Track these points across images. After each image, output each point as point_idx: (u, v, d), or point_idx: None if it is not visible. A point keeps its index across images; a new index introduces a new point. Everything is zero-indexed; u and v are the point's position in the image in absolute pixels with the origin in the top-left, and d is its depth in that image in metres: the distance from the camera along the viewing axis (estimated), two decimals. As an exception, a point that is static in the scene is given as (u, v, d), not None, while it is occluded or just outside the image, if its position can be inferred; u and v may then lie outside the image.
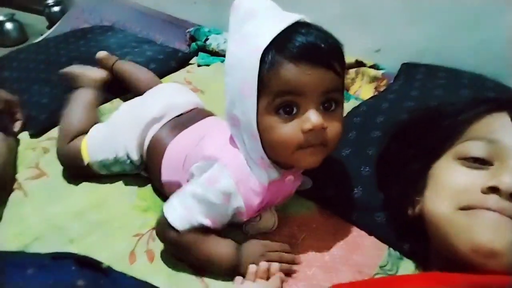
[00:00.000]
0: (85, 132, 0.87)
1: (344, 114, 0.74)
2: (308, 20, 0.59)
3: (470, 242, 0.45)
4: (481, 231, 0.44)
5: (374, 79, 1.09)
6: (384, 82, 1.07)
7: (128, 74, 1.07)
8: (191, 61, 1.32)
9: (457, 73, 0.91)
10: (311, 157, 0.57)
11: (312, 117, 0.54)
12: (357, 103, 0.97)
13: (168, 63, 1.25)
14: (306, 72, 0.53)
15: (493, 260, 0.44)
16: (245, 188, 0.61)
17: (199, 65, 1.29)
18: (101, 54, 1.10)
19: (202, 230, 0.63)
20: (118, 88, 1.10)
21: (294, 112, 0.55)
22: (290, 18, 0.56)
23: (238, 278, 0.62)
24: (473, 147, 0.50)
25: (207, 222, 0.62)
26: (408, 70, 0.99)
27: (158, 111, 0.80)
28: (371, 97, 0.98)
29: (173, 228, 0.61)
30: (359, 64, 1.13)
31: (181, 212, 0.62)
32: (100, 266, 0.52)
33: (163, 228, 0.63)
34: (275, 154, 0.59)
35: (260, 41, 0.54)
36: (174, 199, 0.64)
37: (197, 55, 1.35)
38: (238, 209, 0.63)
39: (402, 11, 1.03)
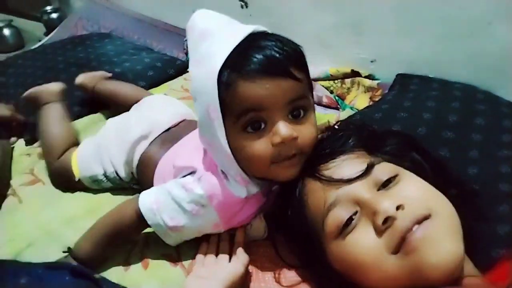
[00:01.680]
0: (71, 145, 0.87)
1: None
2: (263, 28, 0.57)
3: (434, 267, 0.44)
4: (428, 253, 0.44)
5: (369, 89, 1.10)
6: (379, 92, 1.08)
7: (110, 94, 1.03)
8: (188, 69, 1.32)
9: (450, 84, 0.92)
10: (288, 170, 0.56)
11: (281, 130, 0.52)
12: (352, 112, 0.98)
13: (166, 71, 1.25)
14: (264, 86, 0.52)
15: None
16: (219, 202, 0.61)
17: (196, 73, 1.29)
18: (79, 79, 1.05)
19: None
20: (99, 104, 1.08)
21: (262, 127, 0.54)
22: (242, 33, 0.54)
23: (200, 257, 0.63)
24: (339, 215, 0.51)
25: (171, 223, 0.63)
26: (403, 80, 1.01)
27: (144, 129, 0.80)
28: (366, 107, 0.99)
29: (138, 207, 0.63)
30: (354, 74, 1.14)
31: (152, 204, 0.63)
32: (93, 277, 0.52)
33: (134, 200, 0.65)
34: (252, 171, 0.58)
35: (214, 63, 0.52)
36: (153, 190, 0.65)
37: (194, 63, 1.36)
38: (212, 221, 0.63)
39: (397, 23, 1.05)
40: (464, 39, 0.96)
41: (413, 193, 0.49)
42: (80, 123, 1.03)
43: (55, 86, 0.99)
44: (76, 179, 0.82)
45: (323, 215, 0.53)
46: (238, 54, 0.52)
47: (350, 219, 0.50)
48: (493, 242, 0.59)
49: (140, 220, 0.64)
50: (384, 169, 0.52)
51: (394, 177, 0.51)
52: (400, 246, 0.46)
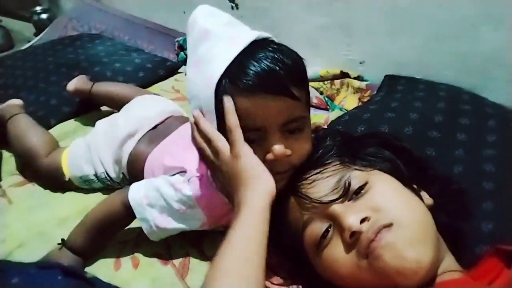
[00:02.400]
0: (54, 146, 0.88)
1: (328, 123, 0.74)
2: (266, 34, 0.55)
3: (395, 271, 0.47)
4: (389, 260, 0.47)
5: (358, 90, 1.12)
6: (368, 93, 1.09)
7: (110, 95, 1.02)
8: (179, 70, 1.33)
9: (436, 85, 0.94)
10: (277, 183, 0.53)
11: (275, 149, 0.51)
12: (341, 113, 0.99)
13: (156, 72, 1.26)
14: (262, 105, 0.50)
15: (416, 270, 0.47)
16: (206, 204, 0.62)
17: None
18: (72, 86, 1.04)
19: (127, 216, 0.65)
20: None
21: (256, 140, 0.52)
22: (244, 40, 0.52)
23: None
24: (315, 230, 0.54)
25: (158, 219, 0.64)
26: (390, 82, 1.02)
27: (131, 127, 0.81)
28: (355, 108, 1.00)
29: (126, 199, 0.64)
30: (344, 75, 1.16)
31: (141, 199, 0.64)
32: (85, 277, 0.52)
33: (123, 191, 0.66)
34: None
35: (213, 70, 0.51)
36: (143, 184, 0.66)
37: (185, 64, 1.35)
38: (199, 220, 0.64)
39: (386, 25, 1.06)
40: (450, 41, 0.97)
41: (379, 202, 0.51)
42: (68, 125, 1.04)
43: (15, 101, 1.00)
44: (66, 178, 0.82)
45: (302, 231, 0.55)
46: (238, 65, 0.50)
47: (326, 232, 0.53)
48: (477, 239, 0.61)
49: (128, 212, 0.64)
50: (354, 179, 0.54)
51: (365, 184, 0.53)
52: (367, 255, 0.48)
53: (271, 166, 0.52)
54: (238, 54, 0.51)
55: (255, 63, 0.50)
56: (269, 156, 0.52)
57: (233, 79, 0.50)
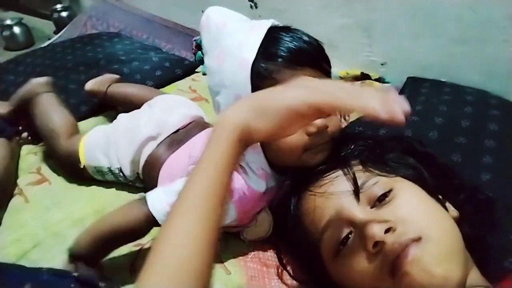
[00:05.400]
0: (75, 130, 0.88)
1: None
2: (277, 22, 0.60)
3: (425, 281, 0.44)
4: (419, 278, 0.44)
5: (379, 92, 1.09)
6: (389, 95, 1.06)
7: (124, 97, 1.00)
8: (196, 70, 1.32)
9: (462, 89, 0.91)
10: (318, 155, 0.58)
11: (317, 121, 0.54)
12: (360, 114, 0.97)
13: (174, 71, 1.25)
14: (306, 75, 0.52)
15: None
16: (240, 197, 0.60)
17: (204, 74, 1.29)
18: (89, 85, 1.02)
19: None
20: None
21: None
22: (265, 25, 0.57)
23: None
24: (333, 236, 0.51)
25: None
26: (413, 84, 0.99)
27: (153, 130, 0.80)
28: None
29: (147, 211, 0.60)
30: (364, 76, 1.13)
31: (165, 207, 0.60)
32: (99, 285, 0.51)
33: (140, 203, 0.62)
34: (283, 161, 0.59)
35: (245, 53, 0.54)
36: (162, 192, 0.62)
37: (202, 64, 1.35)
38: (228, 216, 0.62)
39: (408, 25, 1.03)
40: (476, 43, 0.94)
41: (406, 213, 0.49)
42: (85, 124, 1.02)
43: (41, 79, 0.97)
44: (81, 166, 0.82)
45: (320, 236, 0.53)
46: (269, 45, 0.55)
47: (346, 239, 0.50)
48: (506, 252, 0.58)
49: (148, 224, 0.61)
50: (378, 184, 0.51)
51: (389, 191, 0.51)
52: (393, 270, 0.45)
53: (312, 140, 0.56)
54: (263, 39, 0.55)
55: (286, 42, 0.55)
56: (312, 129, 0.55)
57: (268, 57, 0.54)
